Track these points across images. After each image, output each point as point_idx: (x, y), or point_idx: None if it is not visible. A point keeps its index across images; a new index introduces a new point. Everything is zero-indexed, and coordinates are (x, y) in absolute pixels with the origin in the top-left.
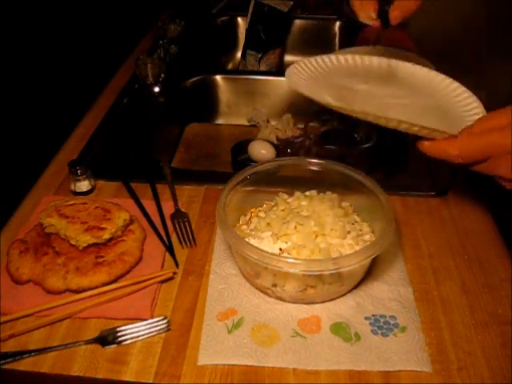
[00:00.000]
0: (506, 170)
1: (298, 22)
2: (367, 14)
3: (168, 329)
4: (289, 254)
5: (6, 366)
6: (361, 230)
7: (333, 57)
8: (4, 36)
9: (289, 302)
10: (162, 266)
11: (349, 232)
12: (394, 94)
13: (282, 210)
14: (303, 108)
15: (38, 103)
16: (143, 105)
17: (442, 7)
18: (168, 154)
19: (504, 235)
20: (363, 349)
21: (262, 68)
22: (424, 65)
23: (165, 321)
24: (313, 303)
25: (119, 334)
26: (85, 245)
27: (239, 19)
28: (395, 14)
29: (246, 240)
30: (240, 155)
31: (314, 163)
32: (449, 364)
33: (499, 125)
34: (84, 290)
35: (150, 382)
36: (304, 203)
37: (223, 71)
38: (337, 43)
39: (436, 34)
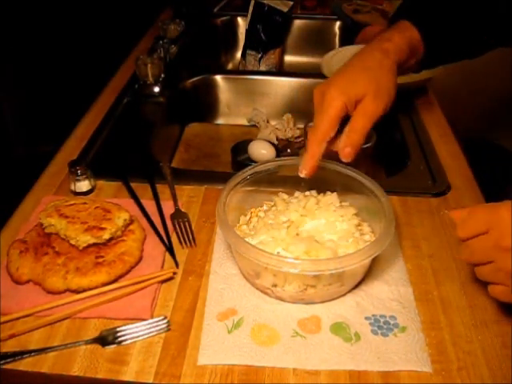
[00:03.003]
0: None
1: (297, 21)
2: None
3: (168, 329)
4: (288, 254)
5: (5, 366)
6: (361, 230)
7: None
8: (4, 36)
9: (289, 302)
10: (162, 266)
11: (349, 232)
12: None
13: (282, 210)
14: (303, 108)
15: (37, 103)
16: (143, 105)
17: None
18: (168, 154)
19: None
20: (363, 349)
21: (262, 68)
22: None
23: (165, 321)
24: (313, 303)
25: (119, 333)
26: (85, 245)
27: (239, 19)
28: (347, 151)
29: (246, 240)
30: (240, 155)
31: None
32: (449, 364)
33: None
34: (84, 290)
35: (150, 382)
36: (304, 203)
37: (223, 71)
38: (337, 43)
39: None
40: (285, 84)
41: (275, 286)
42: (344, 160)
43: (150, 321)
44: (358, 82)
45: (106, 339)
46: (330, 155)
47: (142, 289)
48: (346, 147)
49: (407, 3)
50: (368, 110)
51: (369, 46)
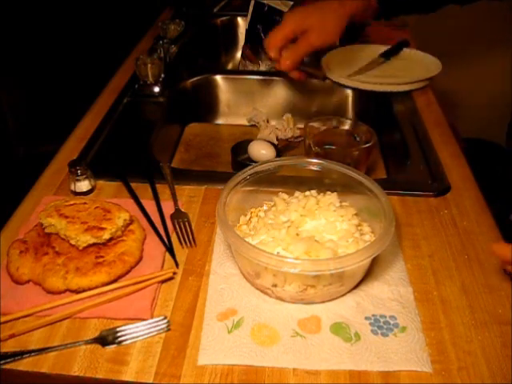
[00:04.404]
0: None
1: None
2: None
3: (168, 329)
4: (288, 254)
5: (5, 366)
6: (361, 230)
7: None
8: (5, 36)
9: (289, 302)
10: (162, 266)
11: (349, 232)
12: None
13: (282, 210)
14: (303, 108)
15: (38, 103)
16: (143, 105)
17: None
18: (168, 154)
19: (504, 235)
20: (363, 349)
21: (262, 68)
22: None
23: (165, 321)
24: (313, 303)
25: (119, 333)
26: (85, 245)
27: (239, 19)
28: (287, 63)
29: (246, 240)
30: (240, 155)
31: (314, 163)
32: (449, 364)
33: None
34: (84, 290)
35: (150, 382)
36: (304, 203)
37: (223, 71)
38: (337, 43)
39: None
40: (285, 84)
41: (275, 286)
42: (283, 68)
43: (150, 321)
44: (310, 18)
45: (106, 339)
46: (330, 155)
47: (142, 289)
48: (287, 60)
49: None
50: (309, 39)
51: None
